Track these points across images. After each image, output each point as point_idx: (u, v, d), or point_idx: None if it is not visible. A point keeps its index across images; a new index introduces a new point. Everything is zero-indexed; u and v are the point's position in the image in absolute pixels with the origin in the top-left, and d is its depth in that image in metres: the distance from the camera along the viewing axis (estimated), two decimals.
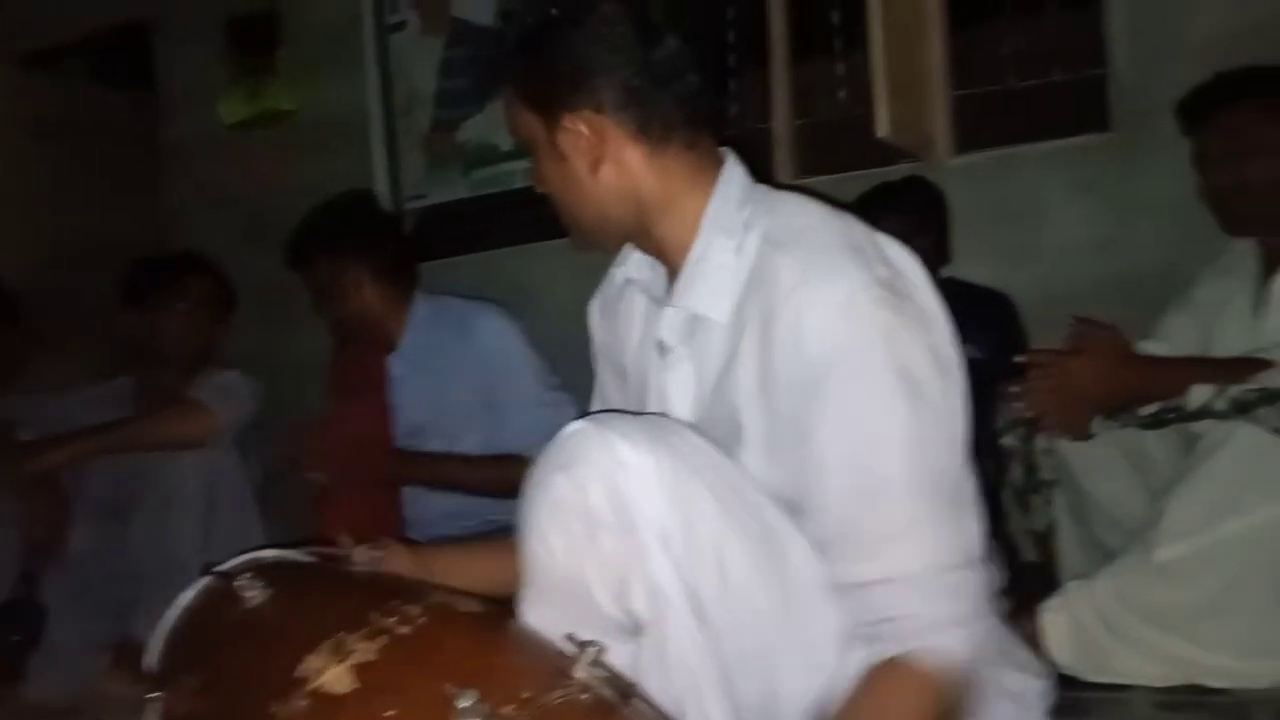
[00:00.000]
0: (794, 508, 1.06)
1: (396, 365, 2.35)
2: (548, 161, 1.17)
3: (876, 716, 0.96)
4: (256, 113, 3.53)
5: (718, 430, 1.09)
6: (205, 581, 1.14)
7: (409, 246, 2.59)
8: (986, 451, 2.32)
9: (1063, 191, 2.62)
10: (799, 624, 1.02)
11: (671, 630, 1.00)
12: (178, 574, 1.54)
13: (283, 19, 3.54)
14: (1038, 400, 1.87)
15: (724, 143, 1.21)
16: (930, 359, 1.02)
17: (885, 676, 0.97)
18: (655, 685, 1.00)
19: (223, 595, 1.07)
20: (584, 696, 0.88)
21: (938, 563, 0.98)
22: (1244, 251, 1.99)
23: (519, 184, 3.05)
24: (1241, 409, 1.63)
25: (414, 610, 0.95)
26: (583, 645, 0.90)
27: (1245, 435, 1.62)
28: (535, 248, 2.97)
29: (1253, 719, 1.50)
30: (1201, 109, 1.95)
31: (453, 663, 0.89)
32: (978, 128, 2.80)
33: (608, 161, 1.12)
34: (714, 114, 1.16)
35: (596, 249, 1.23)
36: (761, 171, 1.24)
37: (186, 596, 1.14)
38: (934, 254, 2.52)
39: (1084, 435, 1.89)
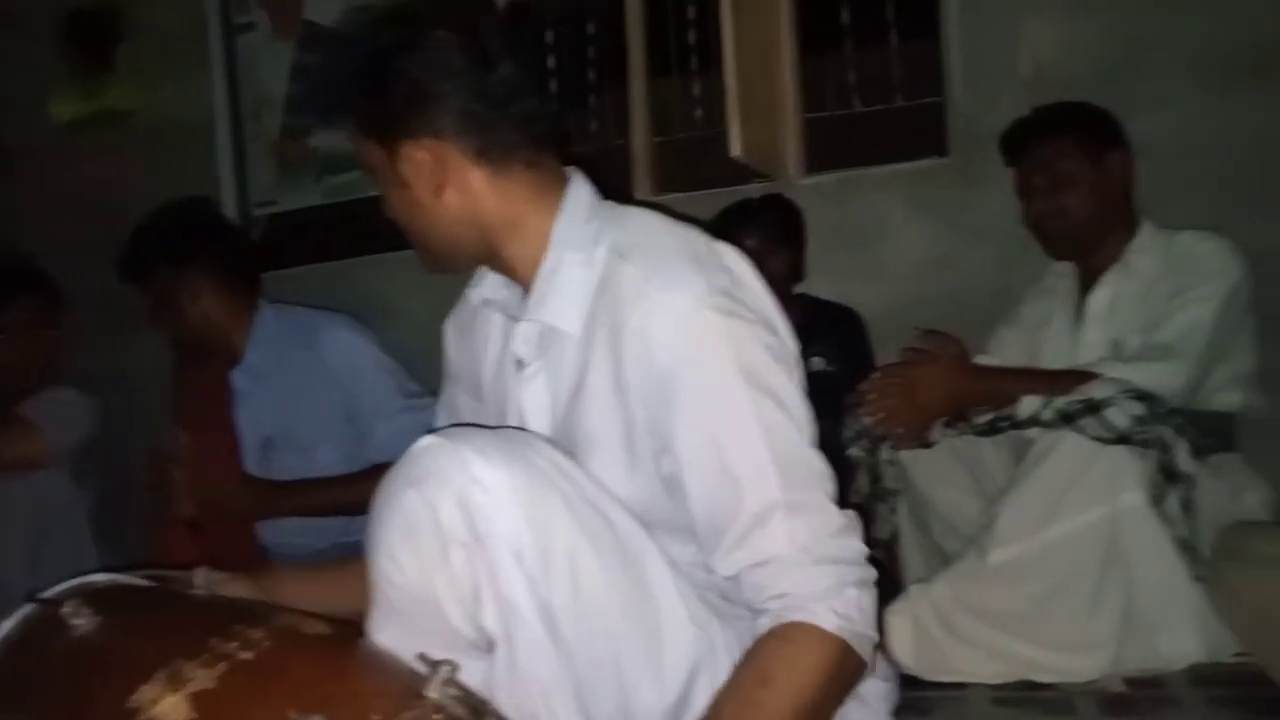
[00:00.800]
0: (653, 518, 1.08)
1: (240, 379, 2.26)
2: (392, 189, 1.16)
3: (770, 673, 0.98)
4: (93, 111, 3.35)
5: (573, 442, 1.11)
6: (28, 610, 1.07)
7: (251, 254, 2.50)
8: (834, 462, 2.43)
9: (903, 213, 2.75)
10: (654, 637, 1.03)
11: (524, 646, 1.00)
12: (2, 603, 1.43)
13: (123, 14, 3.37)
14: (886, 409, 1.95)
15: (575, 160, 1.22)
16: (771, 356, 1.07)
17: (785, 635, 1.00)
18: (508, 701, 1.00)
19: (48, 624, 1.00)
20: (436, 716, 0.87)
21: (808, 538, 1.01)
22: (1063, 272, 2.14)
23: (373, 192, 2.98)
24: (1066, 419, 1.73)
25: (256, 634, 0.91)
26: (435, 664, 0.88)
27: (1070, 443, 1.72)
28: (390, 257, 2.90)
29: (1078, 710, 1.59)
30: (1020, 142, 2.09)
31: (298, 687, 0.86)
32: (826, 150, 2.90)
33: (450, 186, 1.12)
34: (555, 134, 1.17)
35: (448, 271, 1.23)
36: (620, 188, 1.26)
37: (7, 626, 1.06)
38: (790, 269, 2.61)
39: (927, 443, 1.98)
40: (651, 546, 1.07)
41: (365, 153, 1.16)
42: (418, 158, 1.11)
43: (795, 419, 1.07)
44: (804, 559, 1.01)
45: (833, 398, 2.46)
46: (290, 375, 2.21)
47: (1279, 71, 2.40)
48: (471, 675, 0.94)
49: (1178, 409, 1.75)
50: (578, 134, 3.43)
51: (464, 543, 0.98)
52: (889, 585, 1.92)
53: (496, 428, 1.13)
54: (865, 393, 1.98)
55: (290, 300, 2.39)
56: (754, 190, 2.87)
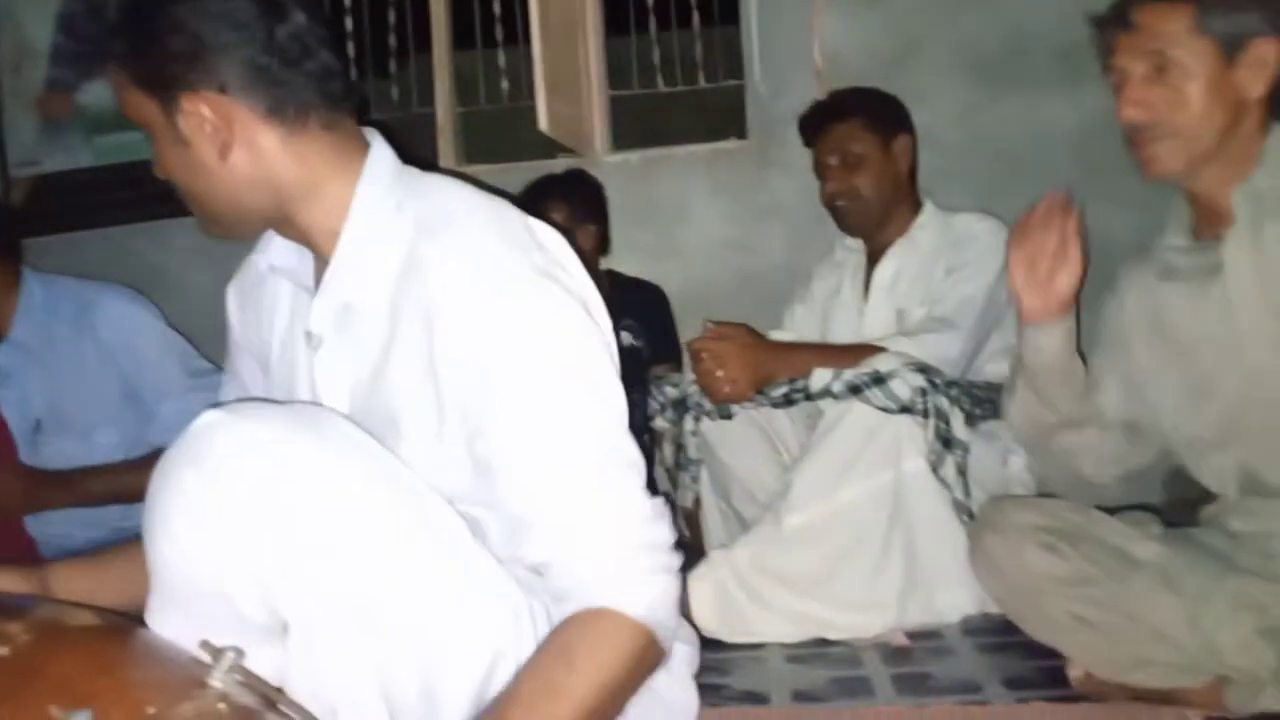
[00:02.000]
0: (461, 497, 1.04)
1: (4, 357, 2.06)
2: (169, 147, 1.05)
3: (572, 656, 0.96)
4: None
5: (375, 422, 1.05)
6: None
7: (11, 220, 2.27)
8: (639, 435, 2.47)
9: (705, 192, 2.81)
10: (458, 615, 1.00)
11: (320, 630, 0.95)
12: None
13: None
14: (704, 378, 2.00)
15: (376, 125, 1.16)
16: (587, 340, 1.04)
17: (586, 621, 0.98)
18: (305, 688, 0.95)
19: None
20: (221, 706, 0.82)
21: (618, 526, 1.00)
22: (853, 247, 2.26)
23: (150, 154, 2.78)
24: (854, 390, 1.83)
25: (14, 628, 0.83)
26: (218, 651, 0.83)
27: (857, 413, 1.81)
28: (170, 224, 2.72)
29: (865, 664, 1.69)
30: (816, 125, 2.19)
31: (62, 682, 0.79)
32: (631, 128, 2.93)
33: (238, 146, 1.03)
34: (352, 94, 1.10)
35: (233, 238, 1.14)
36: (424, 157, 1.20)
37: None
38: (597, 244, 2.62)
39: (728, 414, 2.04)
40: (458, 524, 1.03)
41: (136, 106, 1.05)
42: (199, 113, 1.02)
43: (609, 404, 1.05)
44: (614, 546, 0.99)
45: (639, 371, 2.53)
46: (62, 352, 2.02)
47: (1042, 67, 2.61)
48: (263, 662, 0.89)
49: (954, 380, 1.88)
50: (379, 101, 3.32)
51: (250, 523, 0.92)
52: (693, 553, 1.99)
53: (287, 403, 1.07)
54: (693, 356, 2.01)
55: (60, 271, 2.19)
56: (560, 165, 2.87)
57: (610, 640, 0.97)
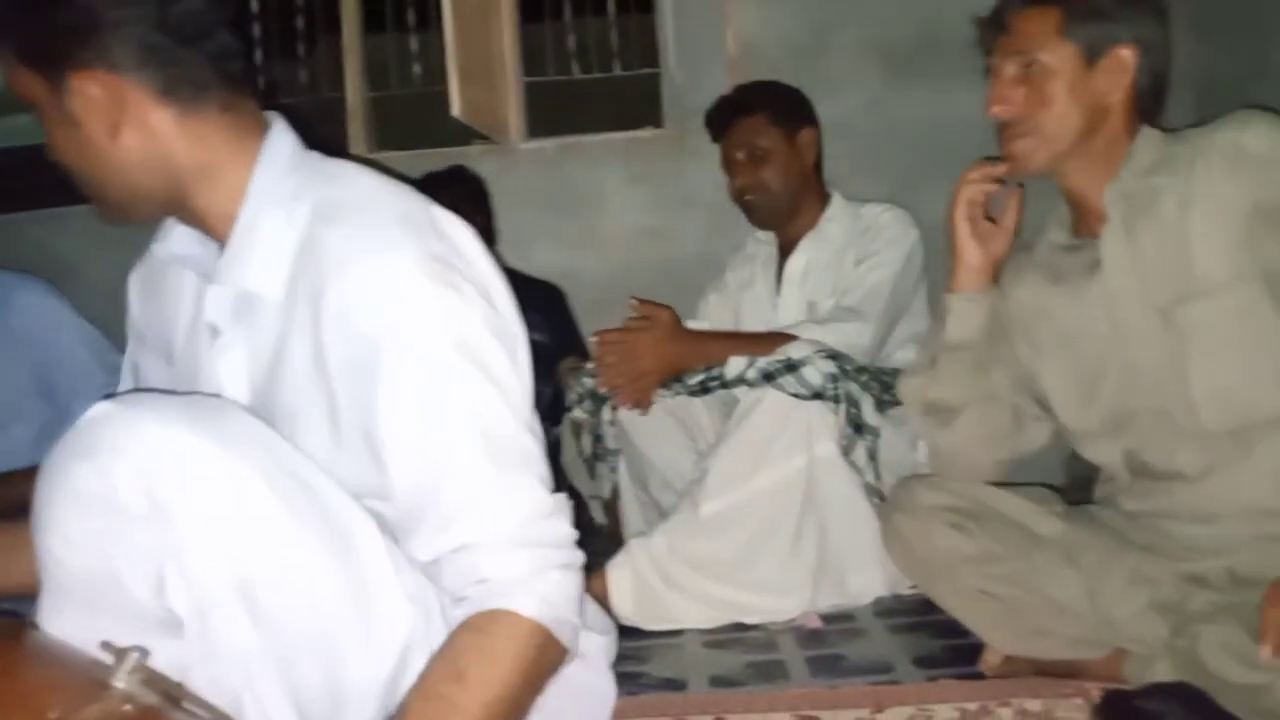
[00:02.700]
0: (365, 493, 1.02)
1: None
2: (58, 127, 1.01)
3: (463, 667, 0.94)
4: None
5: (275, 415, 1.02)
6: None
7: None
8: (552, 424, 2.47)
9: (621, 180, 2.82)
10: (365, 608, 0.98)
11: (219, 623, 0.92)
12: None
13: None
14: (610, 374, 2.00)
15: (280, 109, 1.13)
16: (489, 331, 1.02)
17: (482, 625, 0.96)
18: (206, 682, 0.92)
19: None
20: (126, 708, 0.79)
21: (514, 522, 0.98)
22: (764, 239, 2.28)
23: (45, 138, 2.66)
24: (768, 377, 1.85)
25: None
26: (121, 651, 0.80)
27: (771, 400, 1.84)
28: (67, 212, 2.61)
29: (780, 647, 1.71)
30: (721, 120, 2.21)
31: None
32: (546, 115, 2.92)
33: (129, 126, 1.00)
34: (253, 76, 1.07)
35: (128, 223, 1.09)
36: (334, 143, 1.17)
37: None
38: (484, 240, 2.60)
39: (648, 403, 2.05)
40: (364, 518, 1.01)
41: (24, 84, 1.00)
42: (89, 92, 0.98)
43: (509, 397, 1.02)
44: (507, 543, 0.97)
45: (547, 366, 2.53)
46: None
47: (951, 59, 2.66)
48: (163, 657, 0.86)
49: (864, 366, 1.91)
50: (285, 84, 3.24)
51: (146, 517, 0.89)
52: (612, 542, 1.99)
53: (185, 394, 1.03)
54: (596, 358, 2.02)
55: None
56: (475, 152, 2.85)
57: (501, 646, 0.95)
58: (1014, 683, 1.43)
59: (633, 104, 2.95)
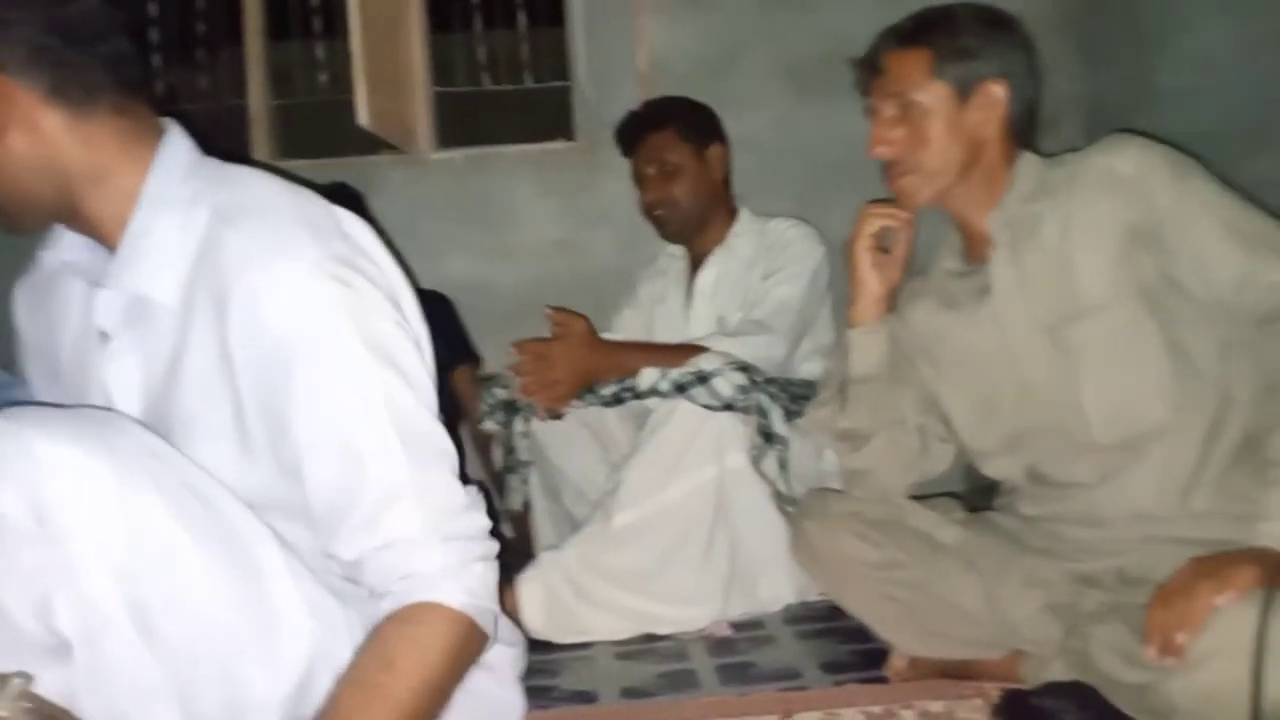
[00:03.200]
0: (268, 503, 1.00)
1: None
2: None
3: (393, 656, 0.94)
4: None
5: (170, 425, 1.00)
6: None
7: None
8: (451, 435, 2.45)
9: (533, 193, 2.81)
10: (266, 627, 0.96)
11: (110, 646, 0.89)
12: None
13: None
14: (526, 384, 1.99)
15: (178, 115, 1.10)
16: (391, 330, 1.02)
17: (410, 616, 0.96)
18: (97, 708, 0.89)
19: None
20: None
21: (435, 517, 0.98)
22: (675, 254, 2.30)
23: None
24: (680, 389, 1.86)
25: None
26: (4, 678, 0.77)
27: (683, 411, 1.85)
28: None
29: (691, 656, 1.72)
30: (631, 135, 2.22)
31: None
32: (456, 126, 2.90)
33: (17, 128, 0.97)
34: (148, 80, 1.05)
35: (17, 231, 1.05)
36: (236, 151, 1.15)
37: None
38: None
39: (558, 414, 2.04)
40: (264, 532, 0.99)
41: None
42: None
43: (420, 394, 1.03)
44: (431, 538, 0.98)
45: (437, 371, 2.51)
46: None
47: (854, 79, 2.73)
48: (51, 683, 0.82)
49: (773, 378, 1.94)
50: (186, 90, 3.15)
51: (31, 537, 0.86)
52: (524, 556, 1.98)
53: (73, 407, 0.99)
54: (512, 367, 2.01)
55: None
56: (383, 161, 2.81)
57: (430, 634, 0.97)
58: (917, 686, 1.47)
59: (544, 116, 2.94)
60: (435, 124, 2.89)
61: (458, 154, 2.86)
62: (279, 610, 0.97)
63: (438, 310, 2.57)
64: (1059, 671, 1.32)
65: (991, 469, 1.50)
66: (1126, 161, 1.33)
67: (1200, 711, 1.06)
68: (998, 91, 1.39)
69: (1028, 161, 1.42)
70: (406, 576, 0.98)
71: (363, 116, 2.43)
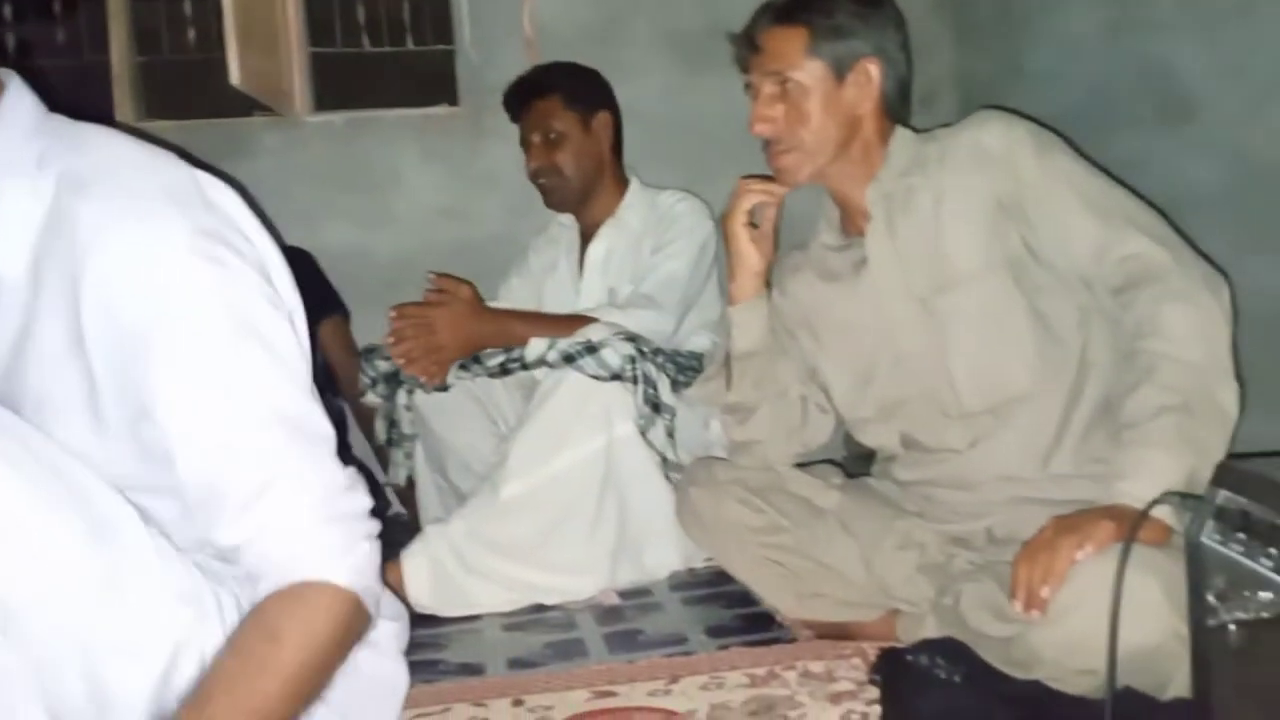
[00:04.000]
0: (131, 483, 0.95)
1: None
2: None
3: (279, 630, 0.91)
4: None
5: (21, 403, 0.94)
6: None
7: None
8: (329, 394, 2.40)
9: (415, 158, 2.74)
10: (129, 609, 0.91)
11: None
12: None
13: None
14: (406, 348, 1.95)
15: (26, 71, 1.01)
16: (260, 304, 0.97)
17: (295, 595, 0.93)
18: None
19: None
20: None
21: (316, 499, 0.95)
22: (566, 224, 2.28)
23: None
24: (568, 359, 1.86)
25: None
26: None
27: (571, 382, 1.85)
28: None
29: (579, 625, 1.73)
30: (517, 100, 2.19)
31: None
32: (335, 87, 2.80)
33: None
34: None
35: None
36: (96, 111, 1.06)
37: None
38: None
39: (443, 386, 2.01)
40: (127, 512, 0.93)
41: None
42: None
43: (294, 374, 0.99)
44: (313, 519, 0.95)
45: (309, 331, 2.44)
46: None
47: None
48: None
49: (660, 349, 1.95)
50: (41, 45, 2.96)
51: None
52: (409, 530, 1.95)
53: None
54: (391, 331, 1.96)
55: None
56: (257, 123, 2.69)
57: (316, 611, 0.94)
58: (798, 647, 1.51)
59: (426, 80, 2.86)
60: (312, 85, 2.78)
61: (336, 117, 2.76)
62: (142, 595, 0.92)
63: (299, 266, 2.49)
64: (933, 629, 1.37)
65: (868, 436, 1.54)
66: (994, 137, 1.38)
67: (1063, 661, 1.12)
68: (872, 70, 1.42)
69: (901, 137, 1.45)
70: (287, 560, 0.94)
71: (234, 76, 2.32)
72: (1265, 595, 0.83)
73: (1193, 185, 1.89)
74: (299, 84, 2.71)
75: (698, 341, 2.11)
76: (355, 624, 0.98)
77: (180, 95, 3.03)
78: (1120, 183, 1.38)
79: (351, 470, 1.01)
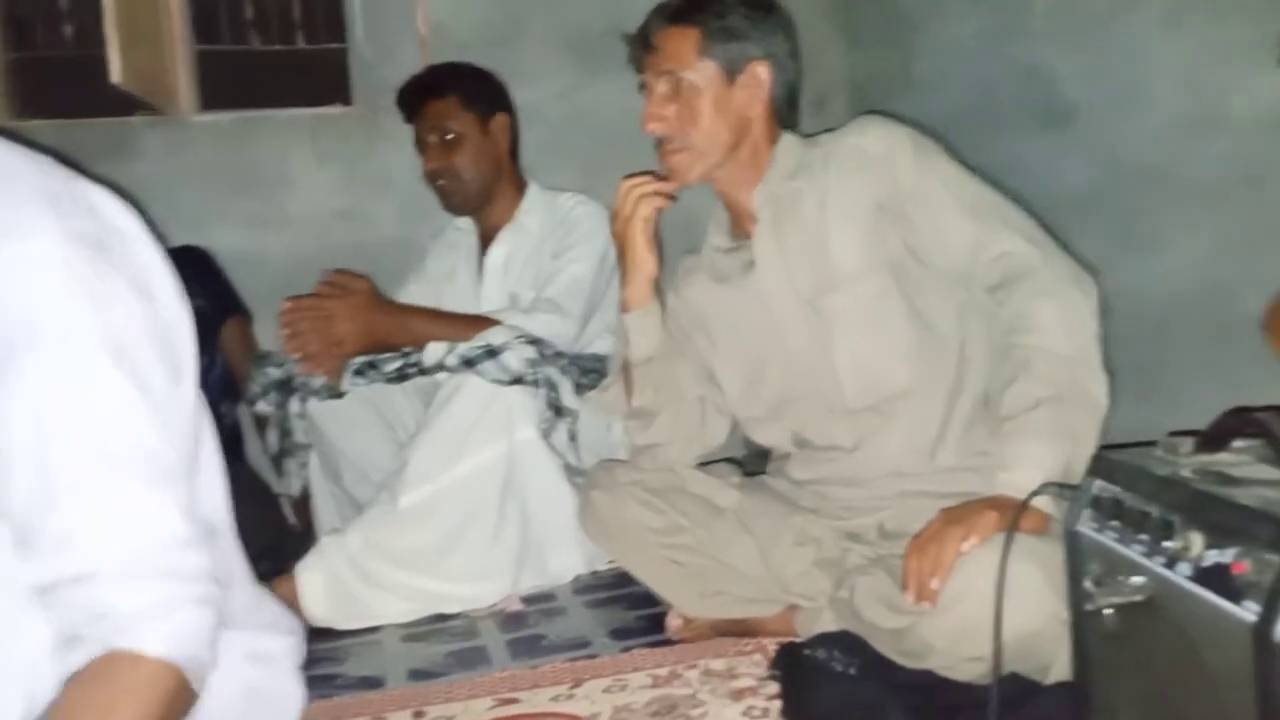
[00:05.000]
0: None
1: None
2: None
3: (90, 715, 0.82)
4: None
5: None
6: None
7: None
8: (228, 400, 2.33)
9: (308, 159, 2.67)
10: None
11: None
12: None
13: None
14: (301, 341, 1.90)
15: None
16: (141, 329, 0.91)
17: (98, 674, 0.83)
18: None
19: None
20: None
21: (142, 549, 0.86)
22: (465, 228, 2.26)
23: None
24: (468, 363, 1.84)
25: None
26: None
27: (471, 386, 1.83)
28: None
29: (481, 633, 1.71)
30: (413, 100, 2.16)
31: None
32: (223, 86, 2.71)
33: None
34: None
35: None
36: None
37: None
38: None
39: (338, 392, 1.97)
40: None
41: None
42: None
43: (156, 408, 0.90)
44: (129, 573, 0.85)
45: (204, 335, 2.37)
46: None
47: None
48: None
49: (562, 352, 1.95)
50: None
51: None
52: (305, 543, 1.89)
53: None
54: (285, 323, 1.91)
55: None
56: (140, 123, 2.59)
57: (124, 698, 0.83)
58: (699, 646, 1.53)
59: (319, 79, 2.80)
60: (198, 84, 2.69)
61: (224, 117, 2.68)
62: (4, 624, 0.86)
63: (197, 265, 2.42)
64: (829, 623, 1.40)
65: (761, 435, 1.57)
66: (875, 141, 1.41)
67: (953, 650, 1.16)
68: (762, 73, 1.44)
69: (788, 141, 1.48)
70: (101, 616, 0.85)
71: (115, 73, 2.24)
72: (1137, 579, 0.87)
73: (1069, 186, 1.97)
74: (184, 82, 2.62)
75: (601, 345, 2.11)
76: (176, 703, 0.87)
77: (57, 93, 2.90)
78: (1002, 184, 1.43)
79: (197, 529, 0.92)
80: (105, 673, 0.83)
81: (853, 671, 1.27)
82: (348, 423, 2.04)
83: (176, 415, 0.93)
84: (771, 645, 1.46)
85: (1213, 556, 0.79)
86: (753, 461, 1.80)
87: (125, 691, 0.83)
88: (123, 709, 0.83)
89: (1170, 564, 0.83)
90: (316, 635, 1.69)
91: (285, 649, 1.12)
